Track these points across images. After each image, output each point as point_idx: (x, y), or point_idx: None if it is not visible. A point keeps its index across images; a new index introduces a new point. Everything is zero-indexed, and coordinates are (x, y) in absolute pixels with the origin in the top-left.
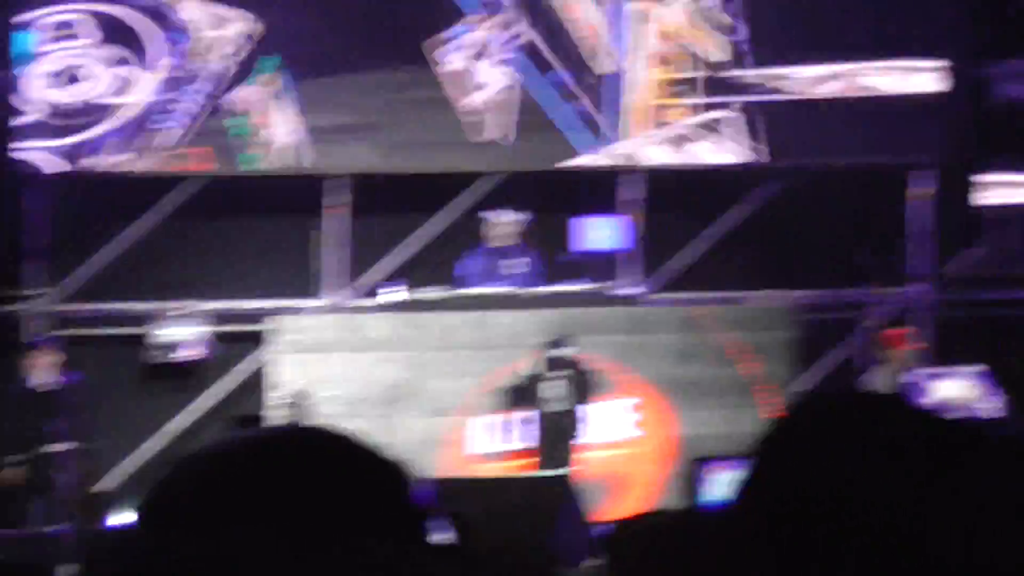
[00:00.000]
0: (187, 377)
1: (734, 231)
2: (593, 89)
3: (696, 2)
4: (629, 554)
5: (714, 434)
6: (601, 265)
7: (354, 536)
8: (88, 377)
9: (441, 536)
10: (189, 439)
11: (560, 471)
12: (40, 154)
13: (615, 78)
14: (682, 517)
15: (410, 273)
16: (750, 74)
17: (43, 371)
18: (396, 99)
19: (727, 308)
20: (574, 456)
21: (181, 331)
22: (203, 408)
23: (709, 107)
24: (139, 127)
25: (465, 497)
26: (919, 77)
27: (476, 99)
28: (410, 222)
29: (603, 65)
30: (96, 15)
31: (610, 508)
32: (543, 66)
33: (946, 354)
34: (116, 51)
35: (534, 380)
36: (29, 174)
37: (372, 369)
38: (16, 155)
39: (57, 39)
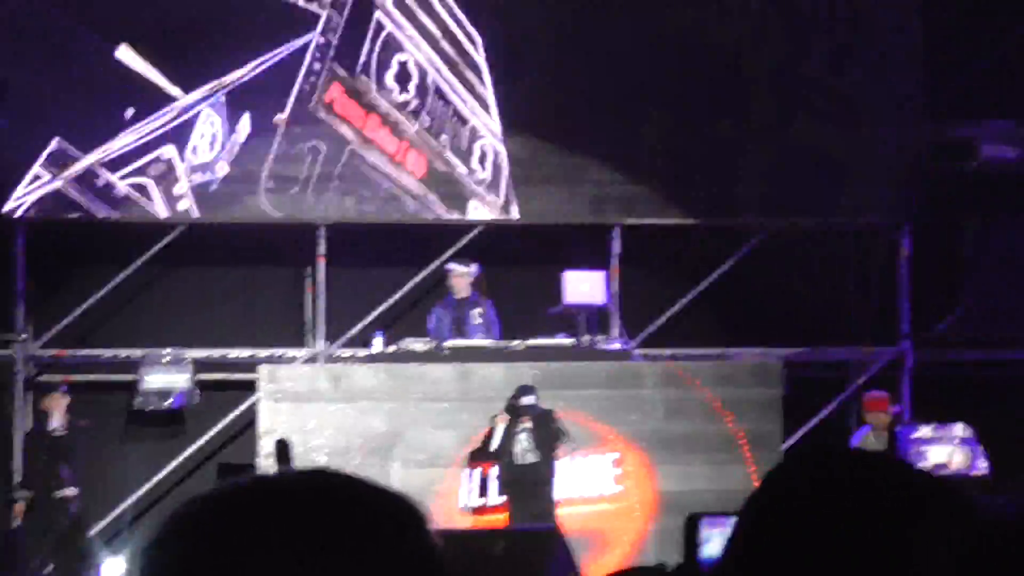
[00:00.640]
0: (176, 424)
1: (718, 286)
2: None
3: None
4: None
5: (698, 489)
6: (586, 319)
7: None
8: (77, 425)
9: None
10: (179, 487)
11: (543, 524)
12: (29, 199)
13: None
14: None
15: (388, 323)
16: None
17: (58, 415)
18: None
19: (714, 364)
20: (546, 509)
21: (170, 378)
22: (192, 456)
23: None
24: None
25: (456, 550)
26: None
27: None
28: (386, 273)
29: None
30: None
31: (592, 564)
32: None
33: (926, 414)
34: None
35: (504, 433)
36: (19, 219)
37: (359, 418)
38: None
39: None
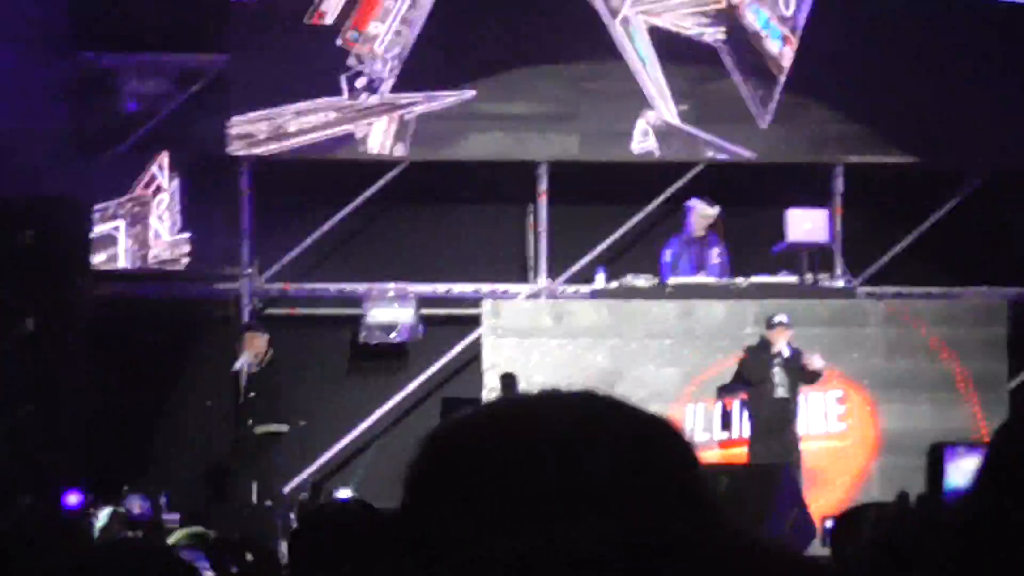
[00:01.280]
0: (400, 359)
1: (942, 226)
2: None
3: None
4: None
5: (921, 428)
6: (808, 258)
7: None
8: (300, 358)
9: None
10: (403, 421)
11: (776, 461)
12: (254, 138)
13: None
14: (910, 507)
15: (611, 261)
16: None
17: (256, 352)
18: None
19: (938, 303)
20: (791, 444)
21: (395, 312)
22: (416, 391)
23: None
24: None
25: None
26: None
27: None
28: (606, 212)
29: None
30: None
31: (815, 500)
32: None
33: None
34: None
35: (754, 367)
36: (244, 157)
37: (581, 355)
38: (232, 136)
39: None
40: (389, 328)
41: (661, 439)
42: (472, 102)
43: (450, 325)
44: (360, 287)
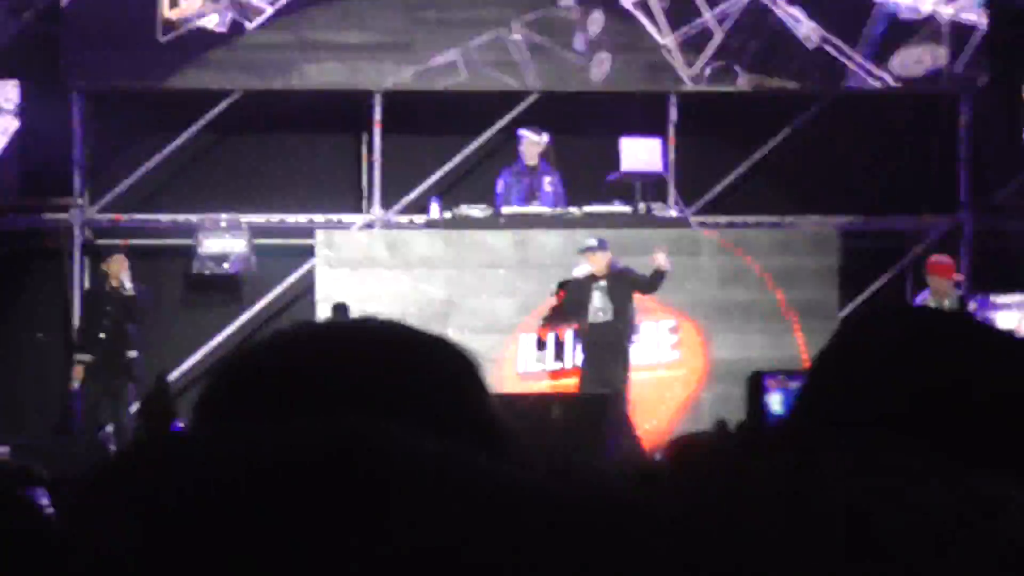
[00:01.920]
0: (233, 290)
1: (775, 155)
2: None
3: None
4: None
5: (752, 358)
6: (642, 187)
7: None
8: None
9: None
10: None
11: (605, 389)
12: (86, 68)
13: None
14: (739, 433)
15: (446, 191)
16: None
17: (119, 278)
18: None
19: (771, 232)
20: (622, 372)
21: (227, 243)
22: (250, 321)
23: None
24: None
25: (512, 414)
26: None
27: None
28: (440, 142)
29: None
30: None
31: (644, 428)
32: None
33: (984, 283)
34: None
35: (571, 296)
36: (76, 87)
37: (416, 285)
38: (64, 67)
39: None
40: (221, 259)
41: (441, 357)
42: (305, 30)
43: (284, 255)
44: (193, 218)
